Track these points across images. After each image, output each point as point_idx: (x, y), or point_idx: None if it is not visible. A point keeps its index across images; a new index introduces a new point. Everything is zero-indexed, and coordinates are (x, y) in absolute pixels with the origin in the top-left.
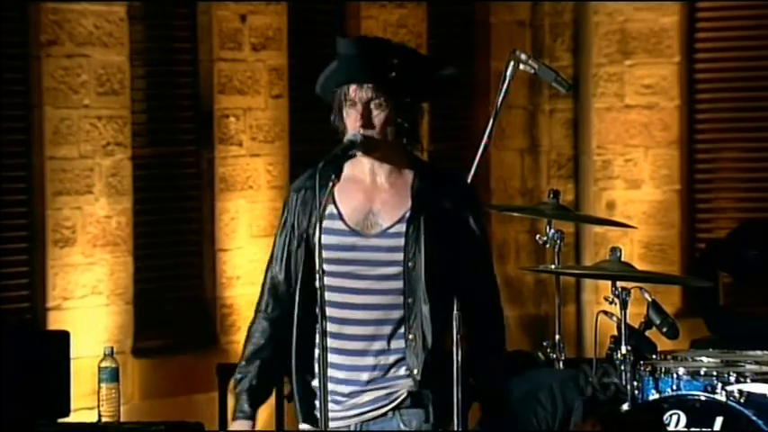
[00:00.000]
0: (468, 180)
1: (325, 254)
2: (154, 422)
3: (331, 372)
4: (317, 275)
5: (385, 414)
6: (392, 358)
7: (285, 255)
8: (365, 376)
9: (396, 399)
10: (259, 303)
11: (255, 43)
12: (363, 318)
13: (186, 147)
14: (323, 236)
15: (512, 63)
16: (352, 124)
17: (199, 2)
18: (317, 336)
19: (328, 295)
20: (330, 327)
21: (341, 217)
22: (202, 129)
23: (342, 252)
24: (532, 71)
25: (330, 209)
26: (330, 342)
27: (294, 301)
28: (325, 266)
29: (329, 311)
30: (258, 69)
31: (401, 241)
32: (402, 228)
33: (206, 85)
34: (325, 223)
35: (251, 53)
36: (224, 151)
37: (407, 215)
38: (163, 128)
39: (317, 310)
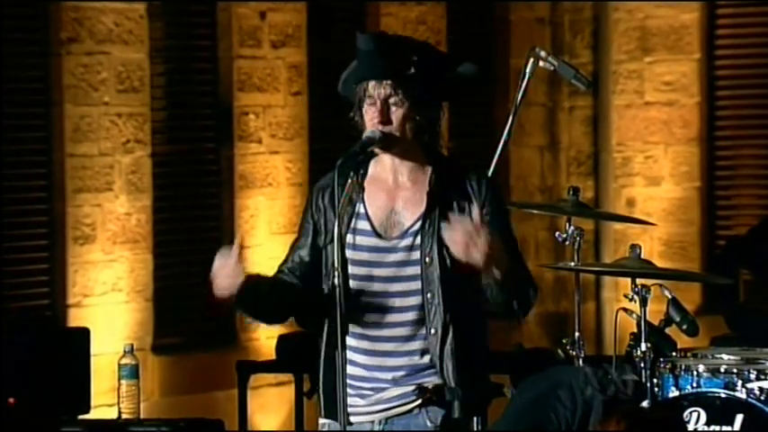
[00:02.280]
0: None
1: (353, 254)
2: (174, 419)
3: (357, 370)
4: (336, 273)
5: (411, 410)
6: (425, 358)
7: (291, 253)
8: (393, 375)
9: (423, 395)
10: None
11: (275, 40)
12: (395, 320)
13: (206, 144)
14: (355, 237)
15: (531, 60)
16: (370, 121)
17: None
18: (339, 333)
19: (359, 296)
20: (360, 329)
21: (368, 217)
22: (222, 126)
23: (370, 253)
24: (552, 68)
25: (359, 208)
26: (358, 342)
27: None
28: (355, 268)
29: (359, 314)
30: (278, 67)
31: (419, 239)
32: (419, 225)
33: (225, 82)
34: (355, 223)
35: (270, 50)
36: (243, 148)
37: (423, 212)
38: (182, 125)
39: (337, 307)
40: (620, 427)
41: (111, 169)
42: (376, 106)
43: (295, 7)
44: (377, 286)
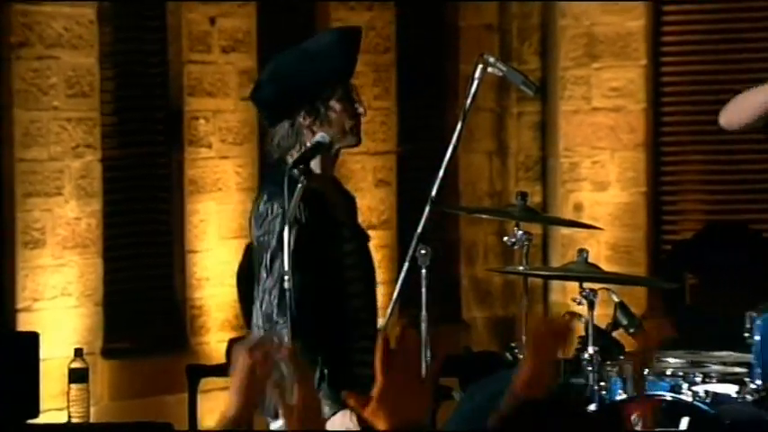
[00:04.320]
0: (437, 182)
1: (351, 260)
2: (123, 423)
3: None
4: (286, 278)
5: None
6: None
7: None
8: None
9: None
10: None
11: (225, 46)
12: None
13: (156, 148)
14: (346, 244)
15: (480, 66)
16: (351, 117)
17: (168, 1)
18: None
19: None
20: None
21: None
22: (172, 131)
23: (354, 256)
24: (500, 74)
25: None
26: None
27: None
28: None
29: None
30: (227, 72)
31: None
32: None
33: (175, 87)
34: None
35: (221, 55)
36: (193, 153)
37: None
38: (132, 130)
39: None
40: (514, 416)
41: (61, 174)
42: (360, 102)
43: (245, 12)
44: (363, 286)
